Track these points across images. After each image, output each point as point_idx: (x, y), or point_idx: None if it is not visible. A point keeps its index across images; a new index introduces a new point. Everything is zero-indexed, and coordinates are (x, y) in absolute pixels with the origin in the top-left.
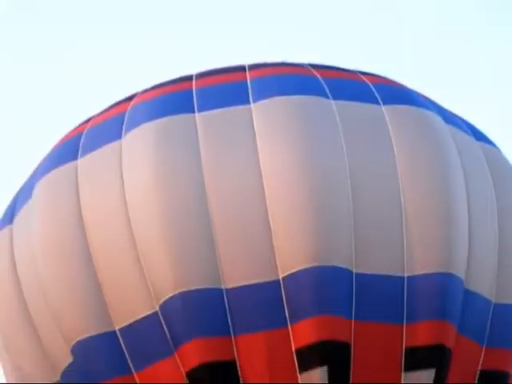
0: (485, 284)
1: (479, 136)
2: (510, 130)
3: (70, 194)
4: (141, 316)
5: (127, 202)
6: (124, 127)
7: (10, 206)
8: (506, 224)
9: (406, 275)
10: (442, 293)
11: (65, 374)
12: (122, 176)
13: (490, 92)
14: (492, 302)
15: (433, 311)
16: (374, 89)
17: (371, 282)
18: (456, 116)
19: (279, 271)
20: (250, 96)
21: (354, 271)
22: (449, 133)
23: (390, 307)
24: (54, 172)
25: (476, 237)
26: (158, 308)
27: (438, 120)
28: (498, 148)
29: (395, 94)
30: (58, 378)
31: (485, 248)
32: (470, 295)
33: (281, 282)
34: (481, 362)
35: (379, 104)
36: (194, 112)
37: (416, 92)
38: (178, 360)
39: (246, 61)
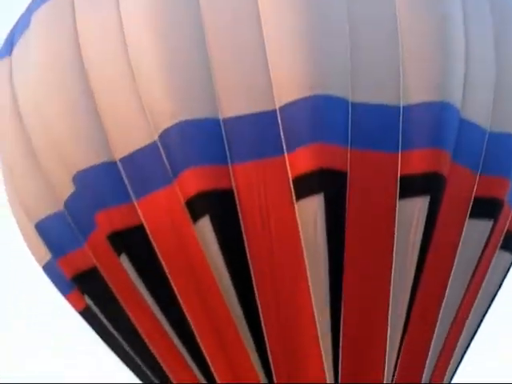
0: (480, 113)
1: None
2: None
3: (67, 22)
4: (140, 146)
5: (124, 30)
6: None
7: (8, 36)
8: (504, 51)
9: (401, 104)
10: (438, 121)
11: (67, 203)
12: (118, 3)
13: None
14: (487, 131)
15: (428, 139)
16: None
17: (367, 110)
18: None
19: (276, 101)
20: None
21: (351, 100)
22: None
23: (385, 136)
24: (51, 1)
25: (473, 65)
26: (156, 138)
27: None
28: None
29: None
30: (60, 208)
31: (481, 76)
32: (465, 124)
33: (277, 111)
34: (475, 190)
35: None
36: None
37: None
38: (177, 189)
39: None
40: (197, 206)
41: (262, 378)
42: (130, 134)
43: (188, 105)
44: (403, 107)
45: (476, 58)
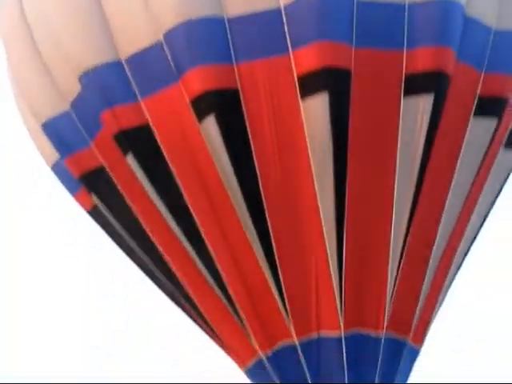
0: (486, 11)
1: None
2: None
3: None
4: (145, 45)
5: None
6: None
7: None
8: None
9: (406, 1)
10: (443, 18)
11: (73, 103)
12: None
13: None
14: (492, 29)
15: (432, 36)
16: None
17: (372, 8)
18: None
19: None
20: None
21: None
22: None
23: (390, 33)
24: None
25: None
26: (162, 37)
27: None
28: None
29: None
30: (67, 108)
31: None
32: (470, 22)
33: (282, 10)
34: (479, 88)
35: None
36: None
37: None
38: (182, 88)
39: None
40: (202, 105)
41: (266, 271)
42: (136, 34)
43: (193, 4)
44: (408, 4)
45: None
